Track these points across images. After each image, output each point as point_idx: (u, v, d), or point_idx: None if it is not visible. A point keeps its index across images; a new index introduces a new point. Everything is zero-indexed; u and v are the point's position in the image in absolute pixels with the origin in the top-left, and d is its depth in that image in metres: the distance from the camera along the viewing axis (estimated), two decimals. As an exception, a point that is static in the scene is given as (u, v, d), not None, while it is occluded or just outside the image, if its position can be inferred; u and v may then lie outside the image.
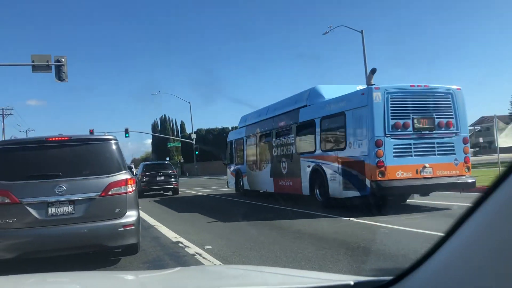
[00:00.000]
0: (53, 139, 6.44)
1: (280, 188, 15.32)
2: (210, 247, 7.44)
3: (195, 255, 6.86)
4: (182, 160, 73.50)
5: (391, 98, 10.44)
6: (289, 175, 14.58)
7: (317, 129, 12.82)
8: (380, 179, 10.08)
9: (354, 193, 10.98)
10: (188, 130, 73.66)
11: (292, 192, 14.38)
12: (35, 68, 20.77)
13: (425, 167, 10.42)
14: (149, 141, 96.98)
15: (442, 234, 1.17)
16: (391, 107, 10.39)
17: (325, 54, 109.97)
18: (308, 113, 13.57)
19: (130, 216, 6.26)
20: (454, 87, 11.12)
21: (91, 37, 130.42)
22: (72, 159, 6.39)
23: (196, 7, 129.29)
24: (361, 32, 29.94)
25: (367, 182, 10.31)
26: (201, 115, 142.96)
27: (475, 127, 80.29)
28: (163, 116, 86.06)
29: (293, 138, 14.40)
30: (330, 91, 13.15)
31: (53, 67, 20.89)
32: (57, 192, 5.90)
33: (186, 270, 3.26)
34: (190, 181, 43.74)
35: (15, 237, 5.78)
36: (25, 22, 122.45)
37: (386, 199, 10.99)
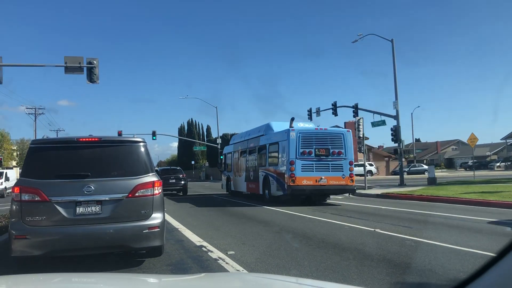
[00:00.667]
0: (84, 139, 6.52)
1: (249, 189, 21.30)
2: (233, 252, 7.42)
3: (218, 260, 6.85)
4: (207, 164, 73.89)
5: (301, 136, 16.65)
6: (253, 180, 20.41)
7: (267, 151, 19.01)
8: (292, 184, 16.28)
9: (280, 193, 17.10)
10: (214, 135, 74.06)
11: (255, 192, 20.24)
12: (67, 69, 21.20)
13: (321, 178, 16.55)
14: (175, 144, 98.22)
15: (492, 254, 1.12)
16: (301, 141, 16.58)
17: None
18: (263, 140, 19.84)
19: (156, 218, 6.29)
20: (345, 129, 18.25)
21: (124, 38, 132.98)
22: (101, 159, 6.46)
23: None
24: (391, 40, 29.60)
25: (286, 186, 16.52)
26: (227, 120, 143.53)
27: (507, 141, 78.08)
28: (190, 120, 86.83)
29: (256, 155, 20.55)
30: (277, 126, 19.24)
31: (85, 69, 21.31)
32: (85, 192, 5.98)
33: (211, 277, 3.22)
34: (214, 185, 43.82)
35: (43, 234, 5.88)
36: (59, 25, 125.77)
37: (298, 197, 17.06)
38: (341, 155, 16.98)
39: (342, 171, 17.00)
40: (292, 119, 18.44)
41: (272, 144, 18.55)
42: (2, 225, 9.41)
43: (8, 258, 6.05)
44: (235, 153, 24.56)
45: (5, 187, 31.72)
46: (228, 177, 25.45)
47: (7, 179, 32.77)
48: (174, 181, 25.93)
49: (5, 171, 34.25)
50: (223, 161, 27.08)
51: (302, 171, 16.41)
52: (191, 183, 56.60)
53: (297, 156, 16.41)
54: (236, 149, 24.45)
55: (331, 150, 16.85)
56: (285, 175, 16.59)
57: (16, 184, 6.14)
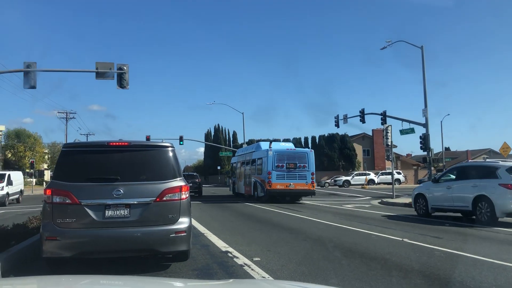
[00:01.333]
0: (114, 144, 6.63)
1: (246, 191, 27.50)
2: (258, 259, 7.40)
3: (243, 266, 6.84)
4: (232, 170, 74.08)
5: (276, 154, 22.98)
6: (248, 184, 26.79)
7: (256, 164, 25.52)
8: (269, 188, 22.59)
9: (262, 194, 23.56)
10: (240, 140, 74.26)
11: (249, 193, 26.16)
12: (98, 75, 21.63)
13: (290, 184, 22.79)
14: (202, 149, 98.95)
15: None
16: (276, 158, 22.89)
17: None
18: (254, 155, 26.54)
19: (183, 222, 6.33)
20: (309, 149, 24.56)
21: (153, 40, 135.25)
22: (130, 164, 6.54)
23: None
24: (421, 47, 29.16)
25: (265, 189, 22.94)
26: (255, 126, 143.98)
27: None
28: (216, 126, 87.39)
29: (250, 166, 27.19)
30: (264, 145, 25.33)
31: (115, 74, 21.72)
32: (114, 195, 6.07)
33: (239, 283, 3.21)
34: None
35: (73, 236, 5.98)
36: (90, 31, 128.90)
37: (273, 197, 22.88)
38: (305, 168, 23.24)
39: (306, 179, 23.24)
40: (271, 142, 26.06)
41: (258, 159, 25.29)
42: (34, 226, 9.62)
43: (39, 259, 6.18)
44: (238, 163, 31.63)
45: (7, 193, 24.66)
46: (233, 181, 32.80)
47: (9, 183, 24.89)
48: (191, 184, 28.46)
49: (7, 172, 26.31)
50: (231, 169, 35.84)
51: (276, 179, 22.87)
52: (216, 188, 56.98)
53: (273, 168, 22.90)
54: (238, 160, 31.56)
55: (298, 164, 23.31)
56: (265, 182, 23.16)
57: (48, 186, 6.27)
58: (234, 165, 33.23)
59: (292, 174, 23.05)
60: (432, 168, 32.87)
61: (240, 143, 71.37)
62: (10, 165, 66.62)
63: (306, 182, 23.08)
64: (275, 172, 22.85)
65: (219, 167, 77.99)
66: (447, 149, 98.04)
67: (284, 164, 23.08)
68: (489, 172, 12.89)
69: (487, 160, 18.84)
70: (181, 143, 55.39)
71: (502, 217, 12.27)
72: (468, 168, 14.50)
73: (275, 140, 34.62)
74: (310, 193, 23.66)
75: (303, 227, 12.24)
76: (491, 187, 12.39)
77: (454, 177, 14.56)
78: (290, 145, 27.21)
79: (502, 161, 14.05)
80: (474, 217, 12.98)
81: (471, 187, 13.03)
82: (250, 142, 68.32)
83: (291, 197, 23.65)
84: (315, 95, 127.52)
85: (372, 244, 9.20)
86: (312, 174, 23.24)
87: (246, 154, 29.35)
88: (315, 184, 23.71)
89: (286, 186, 22.88)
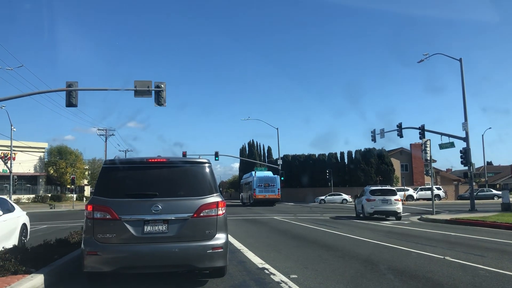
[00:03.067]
0: (153, 160, 6.73)
1: (247, 201, 51.39)
2: (296, 276, 7.32)
3: (280, 283, 6.76)
4: (267, 185, 74.00)
5: (258, 178, 48.48)
6: (247, 197, 51.41)
7: (250, 184, 50.43)
8: (254, 197, 47.44)
9: (252, 201, 48.04)
10: (275, 155, 74.21)
11: (247, 202, 50.46)
12: (137, 93, 22.22)
13: (266, 195, 47.51)
14: (237, 165, 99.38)
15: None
16: (257, 180, 48.16)
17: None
18: (249, 178, 51.92)
19: (219, 238, 6.34)
20: (276, 175, 51.08)
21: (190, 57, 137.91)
22: (168, 180, 6.62)
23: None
24: (460, 60, 28.53)
25: (252, 198, 48.07)
26: (290, 141, 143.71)
27: None
28: (251, 141, 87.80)
29: (248, 185, 51.88)
30: (257, 172, 51.43)
31: (153, 92, 22.23)
32: (153, 211, 6.16)
33: None
34: (275, 207, 43.69)
35: (113, 251, 6.08)
36: (125, 52, 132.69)
37: (259, 204, 45.68)
38: (274, 186, 47.55)
39: (275, 190, 47.47)
40: (255, 170, 52.74)
41: (250, 181, 49.29)
42: (75, 241, 9.88)
43: (81, 273, 6.32)
44: (242, 184, 57.98)
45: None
46: (241, 195, 57.55)
47: (8, 209, 10.94)
48: None
49: (8, 199, 12.13)
50: (240, 187, 62.76)
51: (258, 192, 46.81)
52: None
53: (256, 187, 46.95)
54: (243, 182, 58.43)
55: (270, 184, 47.43)
56: (253, 194, 47.07)
57: (89, 202, 6.43)
58: (241, 185, 60.05)
59: (267, 189, 47.12)
60: (474, 184, 31.83)
61: (274, 158, 71.31)
62: (52, 181, 68.94)
63: (275, 193, 47.49)
64: (258, 188, 46.83)
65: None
66: (490, 163, 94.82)
67: (262, 184, 47.24)
68: (364, 191, 24.52)
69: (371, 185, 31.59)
70: (217, 158, 56.13)
71: (369, 216, 23.17)
72: (362, 190, 26.34)
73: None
74: (277, 200, 48.01)
75: (340, 244, 12.04)
76: (364, 200, 23.68)
77: (359, 195, 26.64)
78: (268, 173, 52.19)
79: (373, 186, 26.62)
80: (361, 215, 24.12)
81: (361, 200, 24.45)
82: (284, 157, 68.22)
83: (268, 203, 45.93)
84: (355, 111, 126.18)
85: (413, 262, 8.93)
86: (279, 189, 48.11)
87: (245, 178, 56.09)
88: (280, 194, 48.50)
89: (264, 196, 46.73)
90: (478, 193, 55.51)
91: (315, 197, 56.86)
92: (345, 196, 56.63)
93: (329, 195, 56.86)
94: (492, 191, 57.42)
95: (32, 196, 63.37)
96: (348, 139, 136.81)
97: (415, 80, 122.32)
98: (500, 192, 56.70)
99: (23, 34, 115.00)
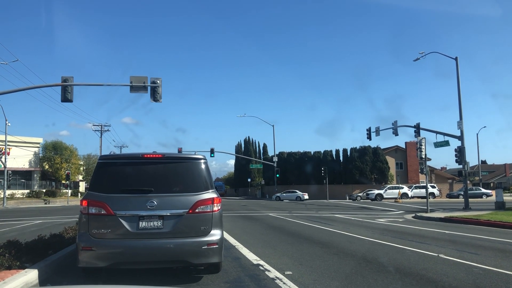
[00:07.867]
0: (148, 156, 6.72)
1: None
2: (290, 272, 7.33)
3: (275, 279, 6.77)
4: (263, 182, 74.06)
5: None
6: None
7: None
8: None
9: None
10: (271, 153, 74.21)
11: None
12: (133, 88, 22.12)
13: None
14: (232, 161, 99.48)
15: None
16: None
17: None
18: None
19: (215, 234, 6.34)
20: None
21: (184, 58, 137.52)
22: (164, 175, 6.61)
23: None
24: (455, 59, 28.60)
25: None
26: (287, 138, 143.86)
27: None
28: (247, 138, 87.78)
29: None
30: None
31: (149, 88, 22.14)
32: (148, 207, 6.15)
33: None
34: (270, 203, 43.78)
35: (108, 247, 6.07)
36: (124, 47, 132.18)
37: None
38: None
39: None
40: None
41: None
42: (70, 236, 9.86)
43: (76, 268, 6.31)
44: None
45: None
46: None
47: None
48: None
49: None
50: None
51: None
52: (246, 200, 57.05)
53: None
54: None
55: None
56: None
57: (84, 198, 6.40)
58: None
59: None
60: (468, 182, 31.96)
61: (270, 155, 71.35)
62: (47, 177, 68.65)
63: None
64: None
65: (249, 179, 78.13)
66: (484, 162, 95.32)
67: None
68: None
69: None
70: (212, 155, 56.03)
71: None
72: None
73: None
74: None
75: (335, 241, 12.07)
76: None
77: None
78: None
79: None
80: None
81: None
82: (280, 154, 68.26)
83: None
84: (352, 108, 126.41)
85: (406, 259, 8.98)
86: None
87: None
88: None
89: None
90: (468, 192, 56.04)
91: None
92: (299, 193, 58.26)
93: (284, 192, 59.64)
94: (481, 190, 57.83)
95: (26, 191, 63.04)
96: (343, 137, 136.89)
97: (415, 80, 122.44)
98: (489, 191, 57.36)
99: (20, 31, 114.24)
